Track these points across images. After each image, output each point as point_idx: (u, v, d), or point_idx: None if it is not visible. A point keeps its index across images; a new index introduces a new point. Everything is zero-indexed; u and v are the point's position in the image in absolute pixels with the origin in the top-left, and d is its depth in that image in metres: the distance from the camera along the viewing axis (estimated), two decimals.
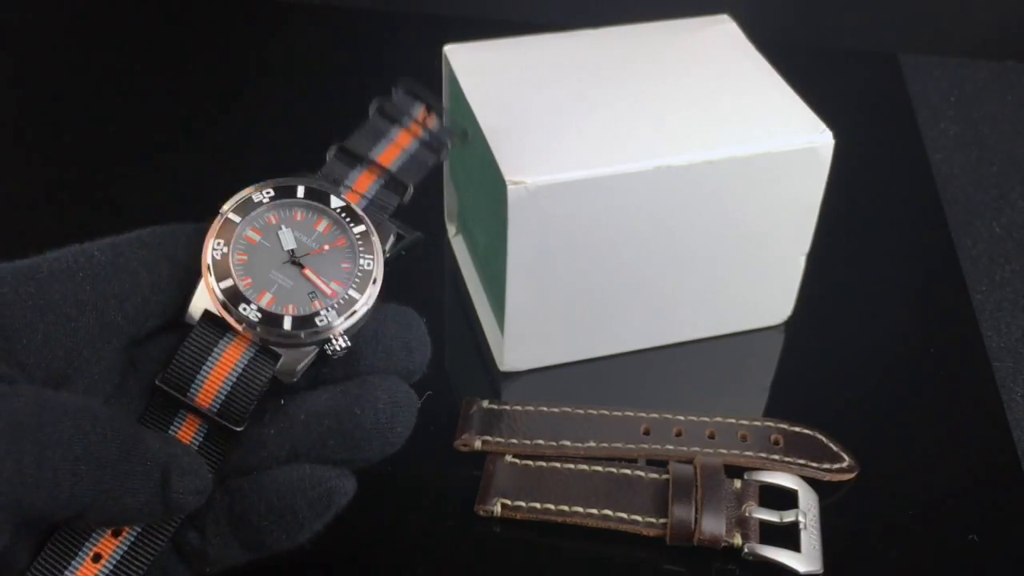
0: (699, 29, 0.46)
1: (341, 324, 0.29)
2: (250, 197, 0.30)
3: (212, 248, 0.29)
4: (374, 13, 0.68)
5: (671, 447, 0.40)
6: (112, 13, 0.69)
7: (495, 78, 0.42)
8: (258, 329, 0.28)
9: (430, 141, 0.33)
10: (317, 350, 0.29)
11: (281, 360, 0.29)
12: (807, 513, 0.37)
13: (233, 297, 0.28)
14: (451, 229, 0.50)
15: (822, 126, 0.40)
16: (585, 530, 0.38)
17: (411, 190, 0.32)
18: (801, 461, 0.40)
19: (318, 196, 0.30)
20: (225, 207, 0.30)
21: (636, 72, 0.43)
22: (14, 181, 0.55)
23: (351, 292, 0.29)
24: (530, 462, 0.40)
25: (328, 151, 0.32)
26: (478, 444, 0.40)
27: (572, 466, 0.39)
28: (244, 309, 0.28)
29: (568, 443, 0.40)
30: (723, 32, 0.46)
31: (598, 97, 0.42)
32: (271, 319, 0.28)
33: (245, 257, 0.29)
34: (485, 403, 0.42)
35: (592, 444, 0.40)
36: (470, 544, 0.38)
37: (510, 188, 0.37)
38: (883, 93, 0.63)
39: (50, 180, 0.55)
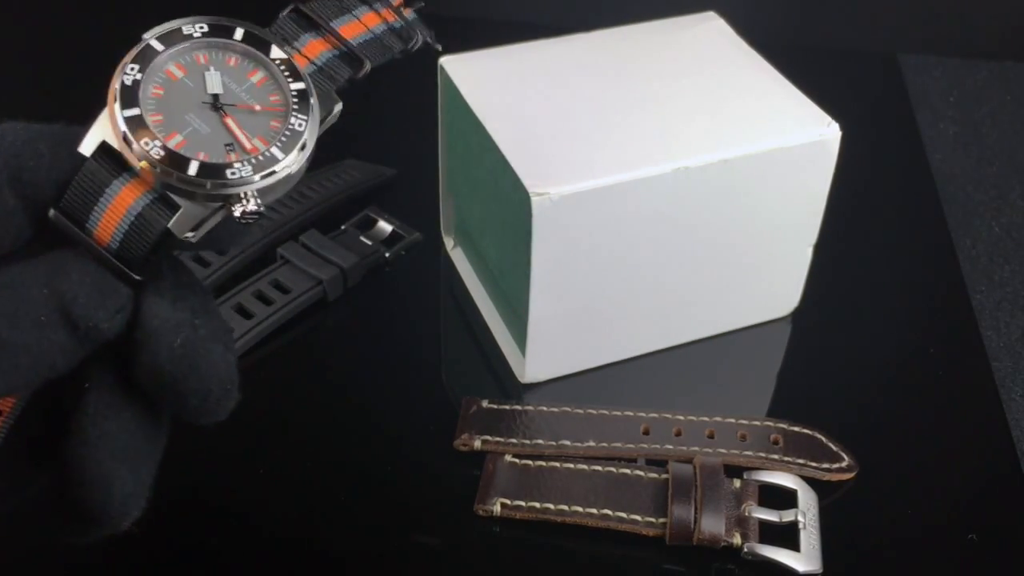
0: (689, 27, 0.46)
1: (257, 183, 0.25)
2: (179, 28, 0.26)
3: (124, 72, 0.25)
4: None
5: (671, 447, 0.40)
6: (108, 8, 0.69)
7: (497, 88, 0.42)
8: (158, 169, 0.25)
9: (400, 29, 0.30)
10: (223, 212, 0.25)
11: (180, 212, 0.25)
12: (806, 513, 0.37)
13: (136, 129, 0.25)
14: (448, 242, 0.50)
15: (828, 119, 0.41)
16: (585, 530, 0.38)
17: (368, 68, 0.29)
18: (801, 461, 0.40)
19: (258, 43, 0.27)
20: (148, 34, 0.26)
21: (636, 74, 0.43)
22: None
23: (274, 150, 0.25)
24: (530, 462, 0.40)
25: (282, 11, 0.28)
26: (478, 444, 0.40)
27: (572, 466, 0.40)
28: (146, 144, 0.25)
29: (568, 443, 0.40)
30: (713, 29, 0.46)
31: (603, 101, 0.42)
32: (176, 160, 0.25)
33: (161, 92, 0.26)
34: (485, 403, 0.42)
35: (592, 444, 0.40)
36: (470, 544, 0.38)
37: (534, 200, 0.37)
38: (883, 93, 0.63)
39: None
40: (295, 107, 0.26)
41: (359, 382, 0.44)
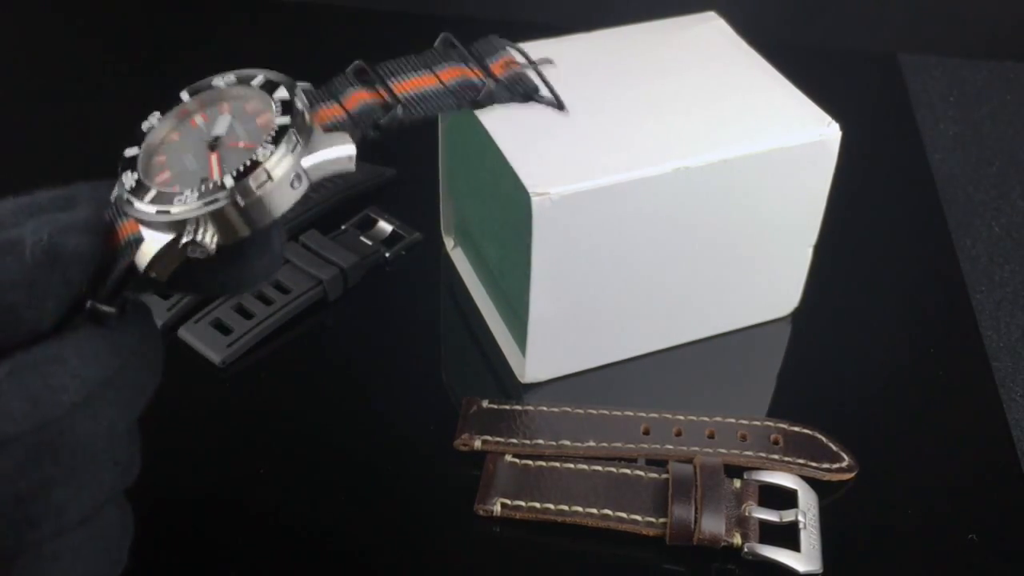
0: (689, 27, 0.46)
1: (196, 209, 0.24)
2: (210, 82, 0.27)
3: (151, 119, 0.27)
4: (374, 13, 0.68)
5: (671, 447, 0.40)
6: (108, 8, 0.69)
7: None
8: (126, 200, 0.25)
9: (477, 83, 0.28)
10: (176, 243, 0.25)
11: (143, 244, 0.25)
12: (807, 513, 0.37)
13: (126, 166, 0.26)
14: (449, 242, 0.50)
15: (828, 119, 0.41)
16: (585, 530, 0.38)
17: (399, 113, 0.27)
18: (801, 461, 0.40)
19: (271, 87, 0.26)
20: (184, 90, 0.27)
21: (636, 74, 0.43)
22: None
23: (226, 178, 0.24)
24: (530, 462, 0.40)
25: (352, 64, 0.28)
26: (478, 444, 0.40)
27: (572, 466, 0.40)
28: (125, 176, 0.25)
29: (568, 443, 0.40)
30: (713, 29, 0.46)
31: (603, 101, 0.42)
32: (138, 189, 0.25)
33: (177, 137, 0.26)
34: (485, 403, 0.42)
35: (592, 444, 0.40)
36: (470, 544, 0.38)
37: (534, 200, 0.37)
38: (883, 93, 0.63)
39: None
40: (267, 139, 0.25)
41: (359, 382, 0.44)
